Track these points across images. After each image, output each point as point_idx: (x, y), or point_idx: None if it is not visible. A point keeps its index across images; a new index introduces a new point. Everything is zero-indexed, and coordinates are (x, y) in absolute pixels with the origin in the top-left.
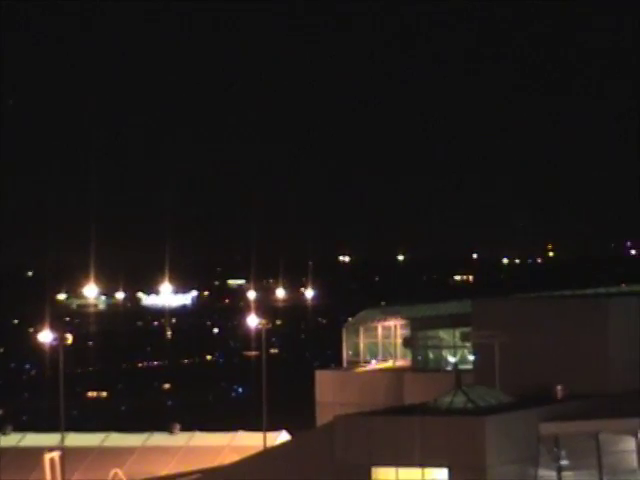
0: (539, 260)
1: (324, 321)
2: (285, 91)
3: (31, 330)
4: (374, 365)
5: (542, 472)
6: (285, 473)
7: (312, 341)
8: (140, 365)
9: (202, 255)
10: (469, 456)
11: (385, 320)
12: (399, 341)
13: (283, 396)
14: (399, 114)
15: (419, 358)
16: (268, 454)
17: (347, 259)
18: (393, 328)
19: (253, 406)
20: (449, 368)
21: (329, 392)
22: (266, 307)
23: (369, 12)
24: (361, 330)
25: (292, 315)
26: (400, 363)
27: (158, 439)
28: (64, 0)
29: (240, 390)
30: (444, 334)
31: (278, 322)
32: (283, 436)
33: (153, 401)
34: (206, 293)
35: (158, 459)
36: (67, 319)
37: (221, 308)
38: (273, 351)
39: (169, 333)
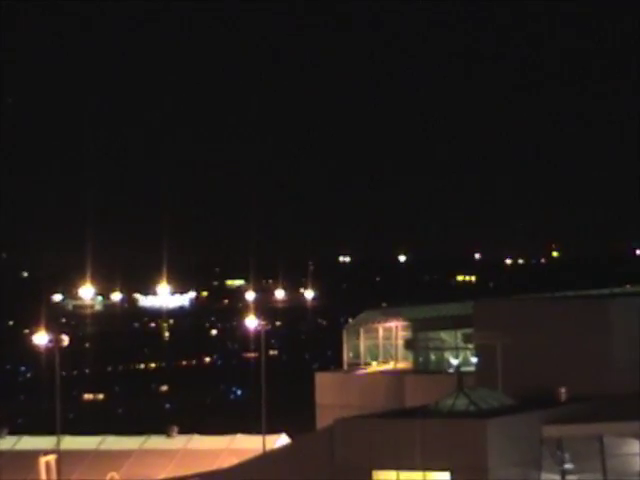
0: (543, 260)
1: (324, 322)
2: (285, 91)
3: (26, 331)
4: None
5: (545, 476)
6: (285, 477)
7: (312, 342)
8: (137, 367)
9: (200, 255)
10: (471, 459)
11: (386, 321)
12: (400, 343)
13: (282, 398)
14: (399, 114)
15: (420, 360)
16: (267, 457)
17: (347, 259)
18: (394, 329)
19: (252, 409)
20: (451, 370)
21: (329, 394)
22: (265, 308)
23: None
24: (362, 331)
25: (292, 316)
26: (401, 365)
27: (155, 442)
28: (64, 0)
29: (239, 392)
30: (446, 335)
31: (277, 323)
32: (282, 439)
33: (150, 404)
34: (204, 294)
35: (155, 463)
36: (63, 320)
37: (219, 309)
38: (272, 353)
39: (167, 334)
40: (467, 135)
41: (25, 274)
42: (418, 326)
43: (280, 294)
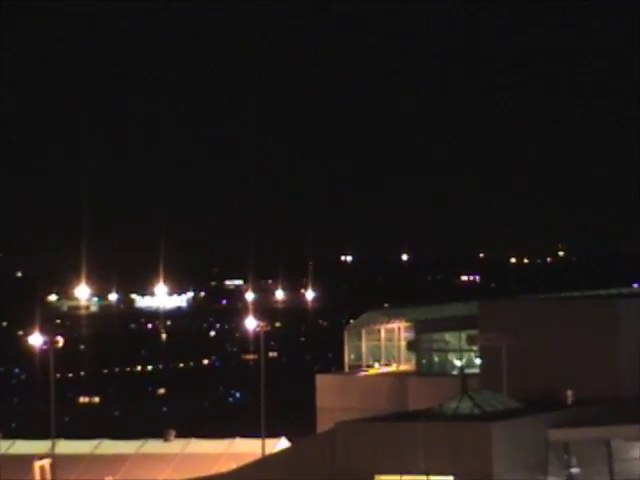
0: (549, 260)
1: (325, 323)
2: (285, 91)
3: (20, 333)
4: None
5: None
6: None
7: (312, 344)
8: (134, 369)
9: (198, 255)
10: (475, 463)
11: (388, 322)
12: (403, 344)
13: (282, 401)
14: (399, 114)
15: (423, 362)
16: (267, 461)
17: (349, 259)
18: (397, 331)
19: (251, 412)
20: (455, 372)
21: (330, 397)
22: (265, 309)
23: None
24: (363, 333)
25: (292, 317)
26: (404, 367)
27: (152, 446)
28: (64, 0)
29: (238, 395)
30: (449, 337)
31: (277, 324)
32: (282, 443)
33: (147, 407)
34: (202, 294)
35: (152, 467)
36: (58, 321)
37: (218, 310)
38: (272, 354)
39: (164, 336)
40: (467, 135)
41: (19, 274)
42: (421, 327)
43: (280, 294)
